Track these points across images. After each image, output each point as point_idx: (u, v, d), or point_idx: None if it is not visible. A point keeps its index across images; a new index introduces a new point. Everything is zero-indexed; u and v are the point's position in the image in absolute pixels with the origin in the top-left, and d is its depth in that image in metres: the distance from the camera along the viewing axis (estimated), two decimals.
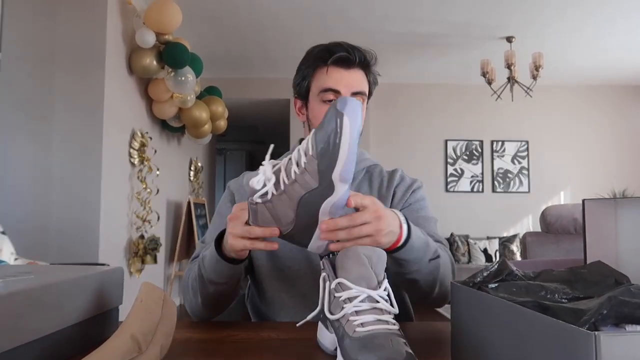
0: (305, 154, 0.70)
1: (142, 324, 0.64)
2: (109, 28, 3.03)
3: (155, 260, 3.56)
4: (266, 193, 0.74)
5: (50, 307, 0.65)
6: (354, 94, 1.06)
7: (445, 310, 4.76)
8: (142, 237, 3.48)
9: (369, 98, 1.13)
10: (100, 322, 0.78)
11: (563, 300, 0.55)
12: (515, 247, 5.61)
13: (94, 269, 0.80)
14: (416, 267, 0.90)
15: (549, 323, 0.46)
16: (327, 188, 0.70)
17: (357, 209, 0.78)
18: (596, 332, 0.40)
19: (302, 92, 1.12)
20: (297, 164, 0.71)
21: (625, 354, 0.40)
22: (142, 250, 3.44)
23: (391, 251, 0.85)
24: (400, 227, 0.84)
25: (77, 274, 0.73)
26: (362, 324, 0.63)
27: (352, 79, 1.06)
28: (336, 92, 1.05)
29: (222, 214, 1.12)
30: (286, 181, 0.72)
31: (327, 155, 0.67)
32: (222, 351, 0.77)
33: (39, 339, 0.62)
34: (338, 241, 0.76)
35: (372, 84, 1.12)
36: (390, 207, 1.11)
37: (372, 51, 1.10)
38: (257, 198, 0.75)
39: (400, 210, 1.11)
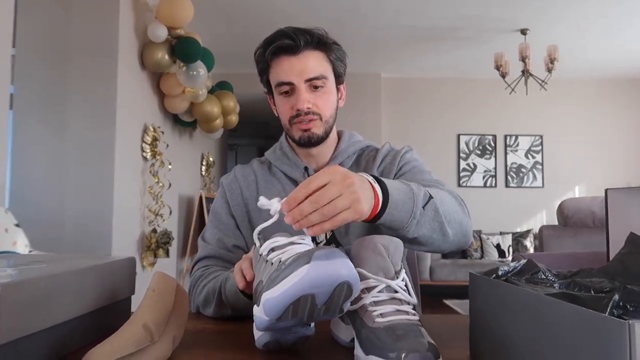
0: (281, 253, 0.63)
1: (155, 313, 0.63)
2: (122, 22, 3.03)
3: (167, 254, 3.57)
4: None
5: (62, 295, 0.64)
6: (309, 80, 1.00)
7: (457, 306, 4.73)
8: (154, 231, 3.49)
9: (339, 77, 1.07)
10: (112, 312, 0.77)
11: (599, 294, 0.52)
12: (529, 243, 5.55)
13: (106, 258, 0.80)
14: (414, 222, 0.79)
15: (577, 312, 0.44)
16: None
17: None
18: (630, 321, 0.38)
19: (267, 88, 1.09)
20: (273, 251, 0.66)
21: None
22: (154, 244, 3.46)
23: (374, 219, 0.75)
24: (372, 187, 0.73)
25: (89, 263, 0.72)
26: (381, 315, 0.62)
27: (302, 65, 0.99)
28: (289, 84, 1.00)
29: (217, 213, 1.11)
30: (262, 254, 0.68)
31: (276, 276, 0.58)
32: (235, 343, 0.76)
33: (51, 328, 0.62)
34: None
35: (335, 61, 1.05)
36: None
37: (321, 28, 1.03)
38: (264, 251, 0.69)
39: (394, 178, 1.06)
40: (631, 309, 0.45)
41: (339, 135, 1.15)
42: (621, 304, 0.45)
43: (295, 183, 1.08)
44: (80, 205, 2.87)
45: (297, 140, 1.05)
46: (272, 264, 0.63)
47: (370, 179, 0.75)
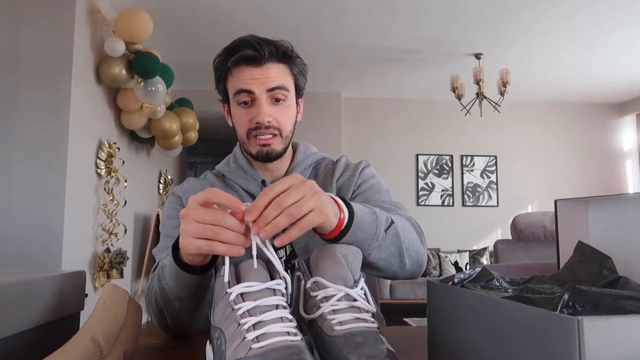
0: (252, 308, 0.59)
1: (105, 326, 0.60)
2: (77, 36, 2.96)
3: (121, 275, 3.44)
4: None
5: (2, 309, 0.60)
6: (270, 90, 0.97)
7: (417, 323, 4.76)
8: (108, 250, 3.37)
9: (299, 90, 1.05)
10: (58, 329, 0.73)
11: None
12: (485, 260, 5.68)
13: (52, 271, 0.76)
14: (375, 244, 0.79)
15: (530, 312, 0.45)
16: None
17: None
18: (579, 317, 0.39)
19: (223, 96, 1.05)
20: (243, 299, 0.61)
21: (608, 338, 0.39)
22: (107, 264, 3.33)
23: (338, 236, 0.73)
24: (337, 204, 0.71)
25: (33, 276, 0.69)
26: (340, 323, 0.61)
27: (265, 75, 0.96)
28: (250, 93, 0.97)
29: (173, 217, 1.04)
30: None
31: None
32: (187, 358, 0.73)
33: None
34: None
35: (298, 75, 1.03)
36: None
37: (286, 41, 1.01)
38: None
39: (352, 195, 1.05)
40: (580, 309, 0.47)
41: (294, 147, 1.13)
42: (570, 303, 0.46)
43: (253, 197, 1.05)
44: (29, 223, 2.74)
45: (254, 155, 1.02)
46: (238, 323, 0.56)
47: (334, 195, 0.73)
